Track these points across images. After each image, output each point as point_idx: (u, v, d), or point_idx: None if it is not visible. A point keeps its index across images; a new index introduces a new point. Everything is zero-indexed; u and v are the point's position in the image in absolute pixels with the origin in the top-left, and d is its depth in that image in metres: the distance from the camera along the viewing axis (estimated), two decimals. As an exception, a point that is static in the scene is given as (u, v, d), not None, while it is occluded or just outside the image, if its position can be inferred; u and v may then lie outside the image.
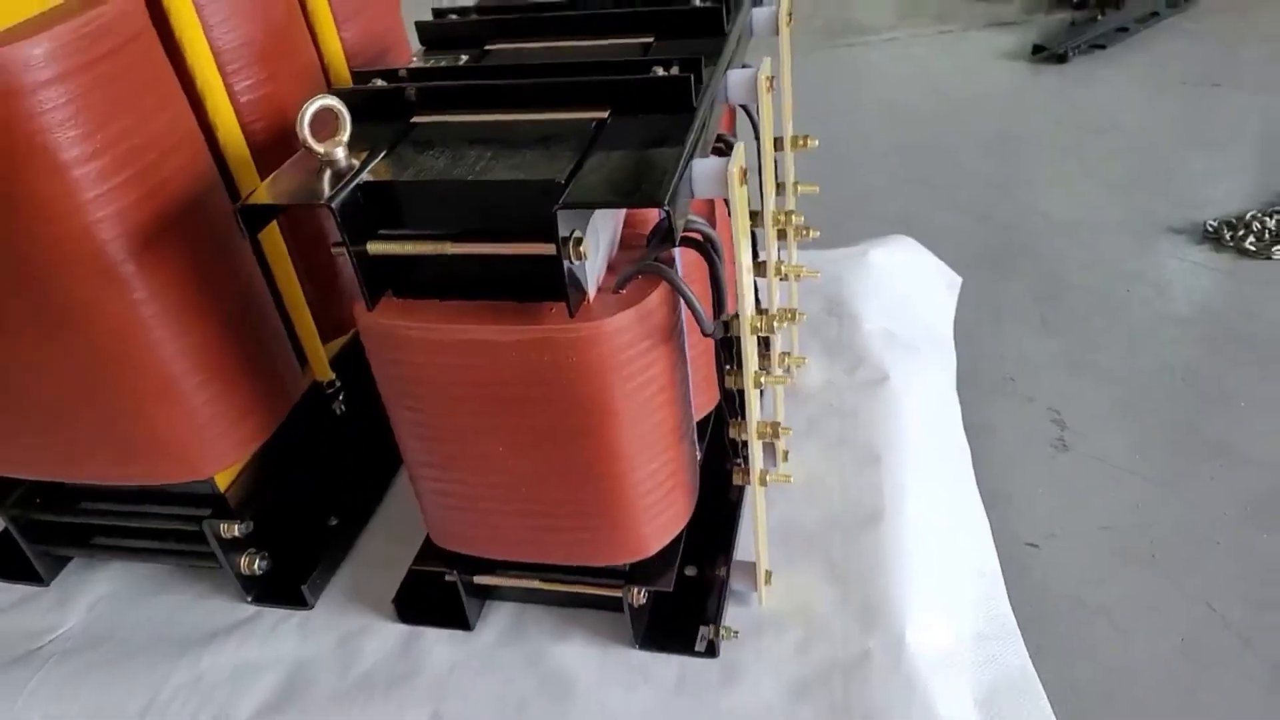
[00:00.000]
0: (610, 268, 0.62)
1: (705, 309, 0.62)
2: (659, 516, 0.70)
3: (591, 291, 0.60)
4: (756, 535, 0.75)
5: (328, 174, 0.61)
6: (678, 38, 0.75)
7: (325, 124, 0.61)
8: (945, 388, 1.02)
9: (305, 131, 0.59)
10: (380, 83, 0.68)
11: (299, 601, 0.84)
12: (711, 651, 0.75)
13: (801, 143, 0.86)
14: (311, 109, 0.59)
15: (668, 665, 0.75)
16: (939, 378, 1.04)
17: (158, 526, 0.84)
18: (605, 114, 0.63)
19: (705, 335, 0.62)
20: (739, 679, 0.73)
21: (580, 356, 0.59)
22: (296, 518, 0.88)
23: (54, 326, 0.68)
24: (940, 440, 0.95)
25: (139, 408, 0.72)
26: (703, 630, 0.75)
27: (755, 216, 0.77)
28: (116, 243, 0.65)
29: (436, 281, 0.62)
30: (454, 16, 0.83)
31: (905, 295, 1.17)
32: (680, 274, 0.62)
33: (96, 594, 0.88)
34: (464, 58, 0.77)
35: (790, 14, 0.81)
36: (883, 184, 1.58)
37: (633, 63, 0.65)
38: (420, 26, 0.82)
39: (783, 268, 0.88)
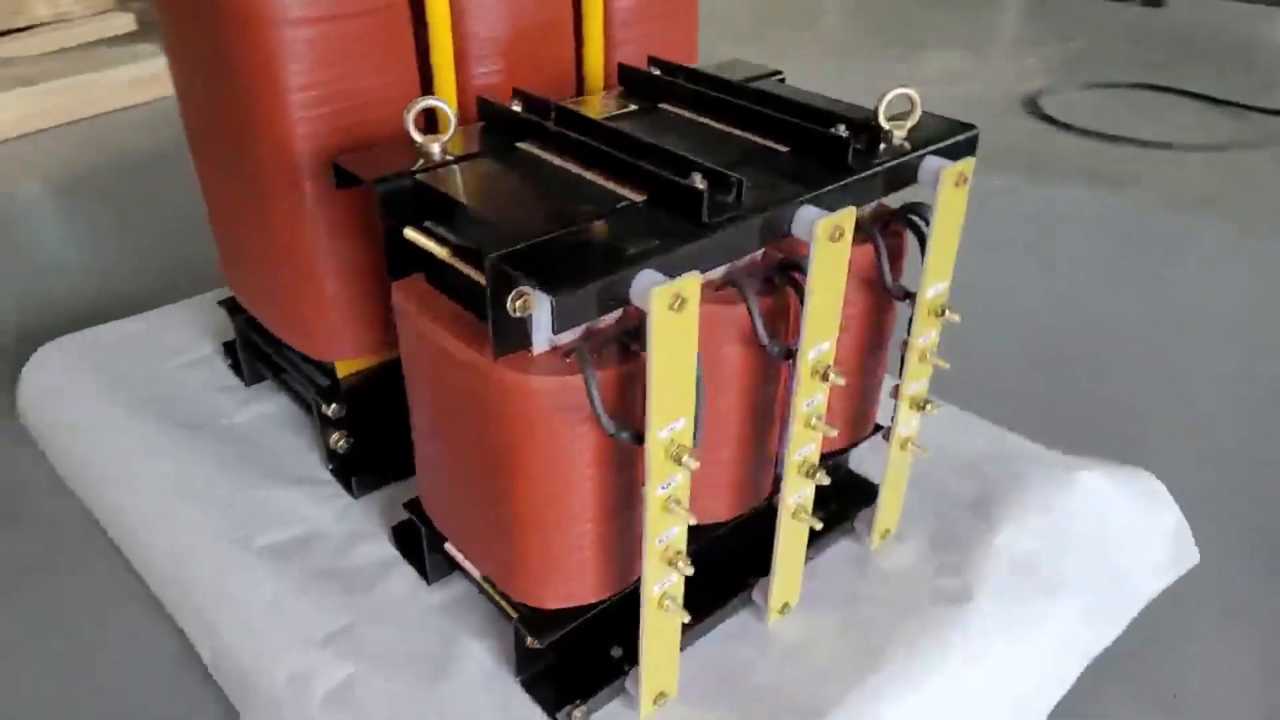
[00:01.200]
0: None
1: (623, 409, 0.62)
2: (562, 582, 0.72)
3: (541, 344, 0.63)
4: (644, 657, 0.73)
5: (419, 163, 0.71)
6: (804, 156, 0.73)
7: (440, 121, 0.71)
8: (1059, 664, 0.87)
9: (410, 123, 0.70)
10: (517, 106, 0.77)
11: (349, 489, 0.99)
12: (564, 725, 0.76)
13: (940, 313, 0.79)
14: (417, 106, 0.70)
15: (522, 711, 0.77)
16: (1063, 649, 0.88)
17: (299, 384, 1.04)
18: (642, 198, 0.66)
19: (608, 434, 0.63)
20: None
21: (494, 397, 0.64)
22: (383, 431, 1.02)
23: (259, 206, 0.88)
24: None
25: (295, 286, 0.91)
26: (575, 708, 0.76)
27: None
28: (304, 158, 0.82)
29: (449, 282, 0.70)
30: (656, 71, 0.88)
31: (1098, 539, 0.99)
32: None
33: (263, 409, 1.12)
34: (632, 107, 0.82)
35: (966, 178, 0.74)
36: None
37: (685, 161, 0.66)
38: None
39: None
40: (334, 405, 0.97)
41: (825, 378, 0.72)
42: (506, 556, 0.72)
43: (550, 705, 0.76)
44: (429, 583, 0.88)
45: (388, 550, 0.92)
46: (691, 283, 0.57)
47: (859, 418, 0.90)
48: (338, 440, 0.99)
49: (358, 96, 0.83)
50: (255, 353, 1.12)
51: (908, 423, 0.86)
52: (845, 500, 0.96)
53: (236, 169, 0.90)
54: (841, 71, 2.79)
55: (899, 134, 0.76)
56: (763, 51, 2.69)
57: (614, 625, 0.77)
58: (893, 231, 0.80)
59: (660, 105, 0.84)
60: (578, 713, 0.75)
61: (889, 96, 0.75)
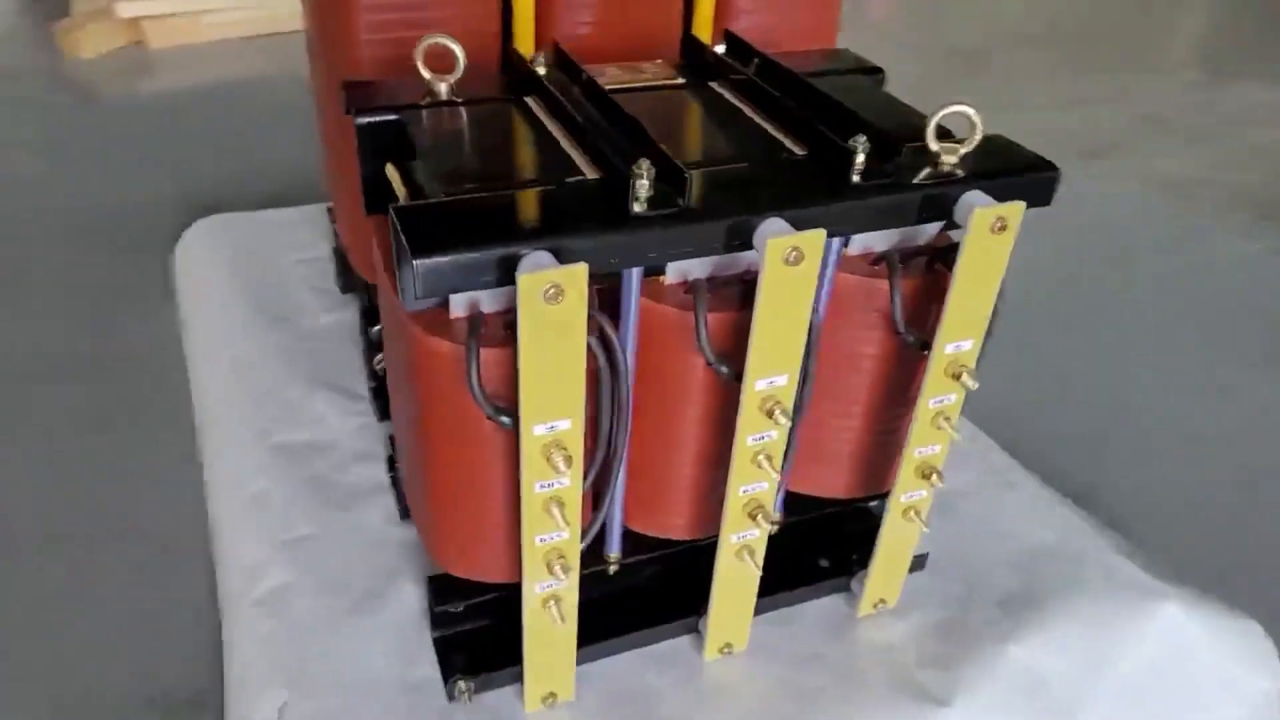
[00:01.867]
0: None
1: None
2: (469, 553, 0.70)
3: (458, 308, 0.61)
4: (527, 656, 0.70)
5: (425, 99, 0.70)
6: (815, 165, 0.64)
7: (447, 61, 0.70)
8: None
9: (419, 57, 0.69)
10: (540, 65, 0.73)
11: (377, 411, 1.02)
12: (450, 694, 0.74)
13: (957, 376, 0.67)
14: (428, 42, 0.69)
15: (424, 668, 0.76)
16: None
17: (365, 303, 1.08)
18: (595, 176, 0.61)
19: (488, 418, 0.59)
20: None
21: (411, 353, 0.62)
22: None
23: (334, 125, 0.91)
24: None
25: (354, 209, 0.93)
26: (463, 679, 0.74)
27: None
28: (371, 65, 0.83)
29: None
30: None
31: (1150, 685, 0.82)
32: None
33: (343, 317, 1.17)
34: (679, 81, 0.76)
35: (1007, 225, 0.62)
36: None
37: (643, 148, 0.60)
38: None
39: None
40: (377, 328, 0.99)
41: (771, 415, 0.63)
42: (423, 511, 0.71)
43: (446, 669, 0.75)
44: (401, 518, 0.89)
45: (383, 477, 0.94)
46: (571, 274, 0.52)
47: (876, 470, 0.79)
48: (379, 362, 1.02)
49: (430, 28, 0.83)
50: (345, 263, 1.17)
51: (913, 491, 0.75)
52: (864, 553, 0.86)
53: (322, 89, 0.94)
54: (1121, 95, 2.47)
55: (949, 159, 0.64)
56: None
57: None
58: (932, 270, 0.69)
59: (710, 84, 0.77)
60: (463, 684, 0.73)
61: (941, 114, 0.64)
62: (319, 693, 0.74)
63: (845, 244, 0.68)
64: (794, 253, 0.57)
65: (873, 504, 0.87)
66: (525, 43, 0.87)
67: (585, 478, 0.65)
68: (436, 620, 0.77)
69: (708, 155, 0.66)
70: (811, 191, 0.61)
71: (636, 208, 0.56)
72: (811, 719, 0.74)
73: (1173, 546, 1.03)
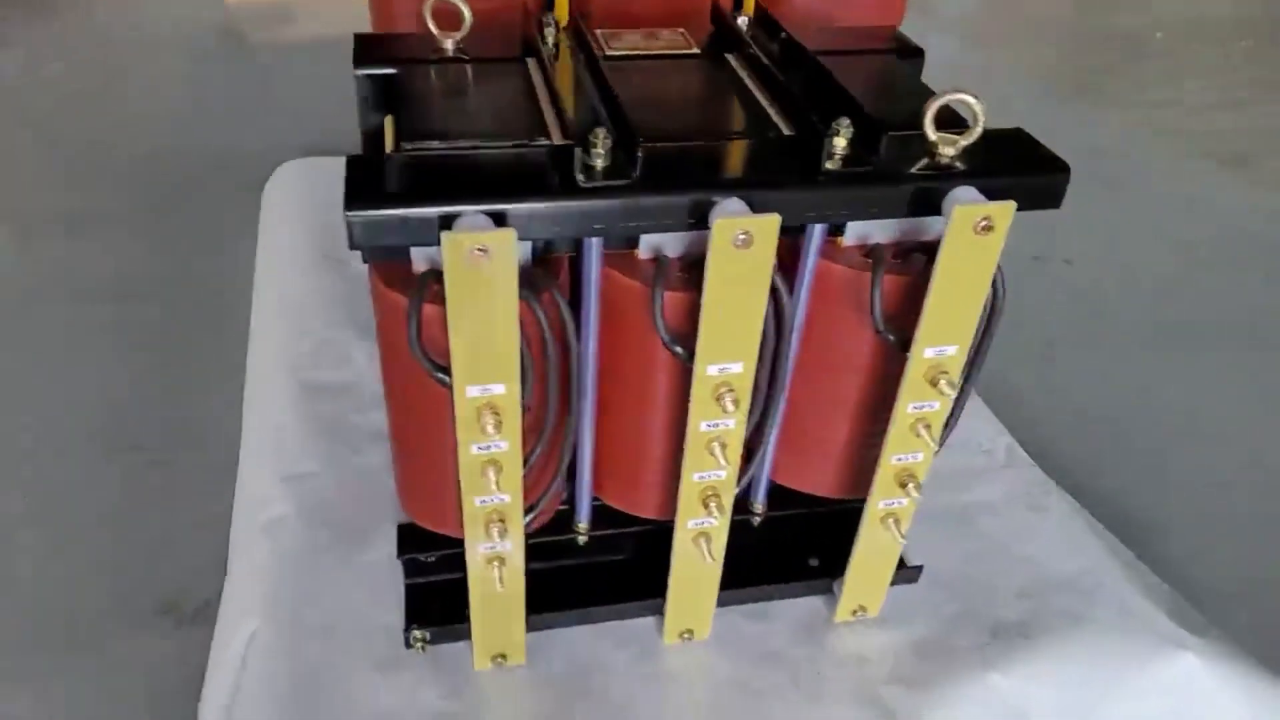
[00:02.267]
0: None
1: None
2: (427, 504, 0.71)
3: (419, 262, 0.61)
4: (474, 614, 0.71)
5: (433, 55, 0.71)
6: (796, 145, 0.61)
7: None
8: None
9: (427, 12, 0.70)
10: (550, 29, 0.72)
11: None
12: (407, 642, 0.76)
13: (934, 383, 0.64)
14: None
15: (393, 614, 0.78)
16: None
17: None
18: (550, 143, 0.59)
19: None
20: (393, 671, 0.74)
21: (372, 300, 0.63)
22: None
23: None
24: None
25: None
26: (418, 629, 0.75)
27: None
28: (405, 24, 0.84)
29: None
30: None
31: None
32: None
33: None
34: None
35: (992, 226, 0.57)
36: None
37: (616, 119, 0.58)
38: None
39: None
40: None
41: (722, 402, 0.61)
42: (393, 454, 0.73)
43: (408, 617, 0.77)
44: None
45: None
46: (500, 236, 0.51)
47: (866, 472, 0.76)
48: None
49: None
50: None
51: (891, 498, 0.72)
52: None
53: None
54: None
55: (947, 150, 0.60)
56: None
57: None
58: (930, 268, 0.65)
59: (726, 55, 0.74)
60: (419, 633, 0.75)
61: (940, 100, 0.59)
62: (286, 626, 0.77)
63: (839, 231, 0.65)
64: (743, 236, 0.54)
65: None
66: (563, 6, 0.86)
67: (535, 446, 0.64)
68: (409, 568, 0.79)
69: (686, 129, 0.63)
70: (778, 174, 0.58)
71: (583, 178, 0.55)
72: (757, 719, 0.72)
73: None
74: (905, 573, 0.83)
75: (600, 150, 0.55)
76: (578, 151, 0.55)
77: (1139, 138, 2.04)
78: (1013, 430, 1.05)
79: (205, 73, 2.20)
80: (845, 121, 0.58)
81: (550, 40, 0.73)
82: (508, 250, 0.52)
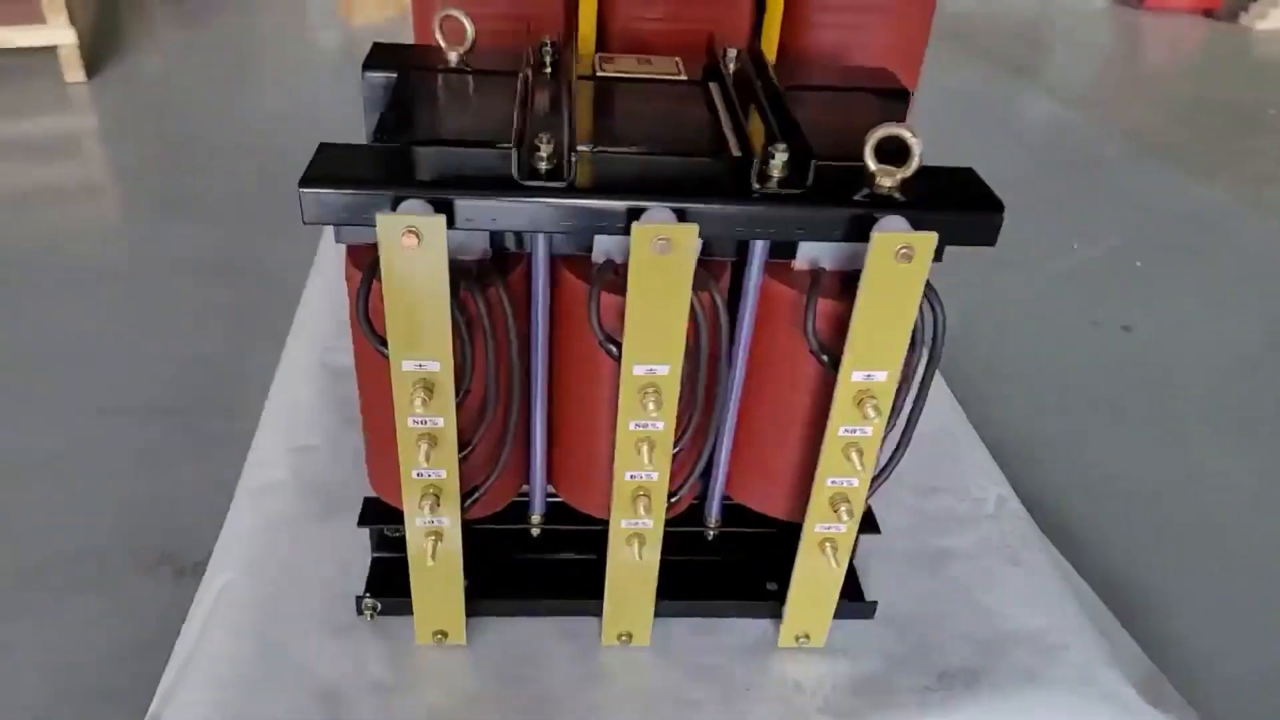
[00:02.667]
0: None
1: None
2: (377, 475, 0.76)
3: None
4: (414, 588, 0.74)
5: (434, 65, 0.77)
6: (738, 168, 0.64)
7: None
8: None
9: (436, 26, 0.76)
10: (548, 48, 0.77)
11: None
12: (358, 608, 0.80)
13: (859, 404, 0.65)
14: (444, 13, 0.75)
15: (357, 582, 0.82)
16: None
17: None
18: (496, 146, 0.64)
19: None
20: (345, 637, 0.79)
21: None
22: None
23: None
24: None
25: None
26: (370, 598, 0.80)
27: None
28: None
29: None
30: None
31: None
32: None
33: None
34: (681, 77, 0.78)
35: (911, 255, 0.58)
36: None
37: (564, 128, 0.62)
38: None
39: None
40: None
41: (647, 404, 0.64)
42: (362, 429, 0.78)
43: (367, 585, 0.81)
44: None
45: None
46: (431, 224, 0.56)
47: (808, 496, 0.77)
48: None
49: (493, 5, 0.89)
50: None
51: (827, 522, 0.72)
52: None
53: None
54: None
55: (885, 181, 0.62)
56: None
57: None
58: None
59: (710, 84, 0.78)
60: (370, 601, 0.79)
61: (878, 135, 0.61)
62: (257, 580, 0.82)
63: (777, 252, 0.66)
64: (662, 242, 0.57)
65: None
66: (587, 31, 0.91)
67: (478, 431, 0.68)
68: (378, 541, 0.84)
69: (634, 141, 0.66)
70: (710, 189, 0.61)
71: (520, 177, 0.59)
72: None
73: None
74: (859, 607, 0.83)
75: (543, 154, 0.60)
76: (516, 152, 0.59)
77: (1238, 212, 1.96)
78: (1018, 484, 1.03)
79: (316, 82, 2.37)
80: (782, 146, 0.61)
81: (548, 59, 0.78)
82: (439, 237, 0.57)
